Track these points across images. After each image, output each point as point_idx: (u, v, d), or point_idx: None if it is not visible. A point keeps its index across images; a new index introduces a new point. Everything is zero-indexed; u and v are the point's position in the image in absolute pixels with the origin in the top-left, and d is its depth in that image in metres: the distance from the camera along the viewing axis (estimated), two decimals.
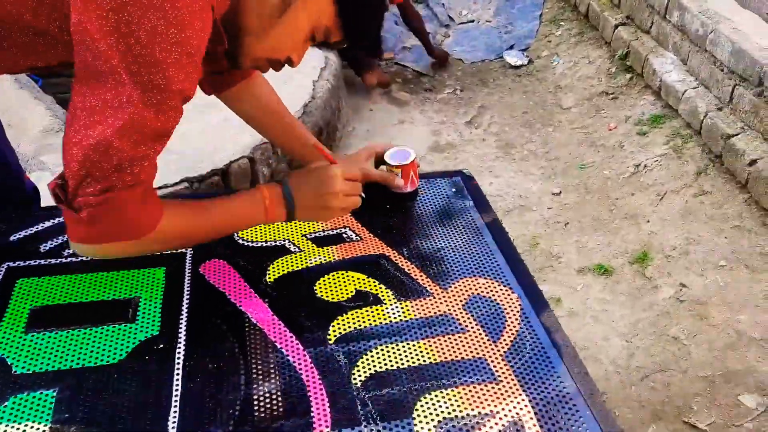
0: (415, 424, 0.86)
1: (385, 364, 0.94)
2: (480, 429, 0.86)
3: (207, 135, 2.41)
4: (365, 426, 0.85)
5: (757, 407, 1.78)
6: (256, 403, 0.88)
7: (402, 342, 0.97)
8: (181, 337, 0.96)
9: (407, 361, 0.95)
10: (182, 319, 0.99)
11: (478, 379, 0.92)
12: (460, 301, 1.05)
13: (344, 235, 1.18)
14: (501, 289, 1.07)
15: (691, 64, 3.07)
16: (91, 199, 0.83)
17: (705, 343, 1.98)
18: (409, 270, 1.10)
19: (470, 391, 0.91)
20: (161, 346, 0.95)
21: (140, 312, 1.00)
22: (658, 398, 1.85)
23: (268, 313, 1.01)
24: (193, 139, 2.35)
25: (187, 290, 1.04)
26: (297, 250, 1.14)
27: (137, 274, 1.07)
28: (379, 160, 1.27)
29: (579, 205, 2.69)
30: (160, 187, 2.08)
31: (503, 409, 0.88)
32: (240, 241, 1.15)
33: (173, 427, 0.84)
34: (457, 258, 1.14)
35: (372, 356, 0.95)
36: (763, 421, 1.74)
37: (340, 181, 1.04)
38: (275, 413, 0.87)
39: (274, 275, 1.08)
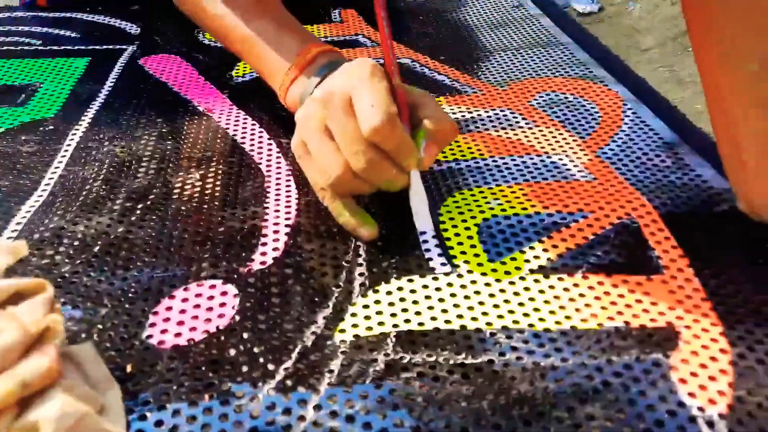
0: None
1: None
2: (588, 229, 0.49)
3: None
4: None
5: None
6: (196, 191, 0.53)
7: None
8: (82, 122, 0.63)
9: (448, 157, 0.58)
10: (92, 106, 0.66)
11: (557, 176, 0.55)
12: (525, 98, 0.68)
13: (358, 42, 0.83)
14: (592, 87, 0.70)
15: None
16: None
17: None
18: (444, 72, 0.74)
19: (554, 188, 0.54)
20: (50, 128, 0.62)
21: (36, 97, 0.67)
22: None
23: (225, 102, 0.67)
24: None
25: (111, 81, 0.71)
26: None
27: (47, 63, 0.74)
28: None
29: None
30: None
31: (614, 210, 0.51)
32: (205, 41, 0.81)
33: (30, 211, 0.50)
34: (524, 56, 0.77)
35: None
36: None
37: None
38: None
39: (242, 71, 0.74)
